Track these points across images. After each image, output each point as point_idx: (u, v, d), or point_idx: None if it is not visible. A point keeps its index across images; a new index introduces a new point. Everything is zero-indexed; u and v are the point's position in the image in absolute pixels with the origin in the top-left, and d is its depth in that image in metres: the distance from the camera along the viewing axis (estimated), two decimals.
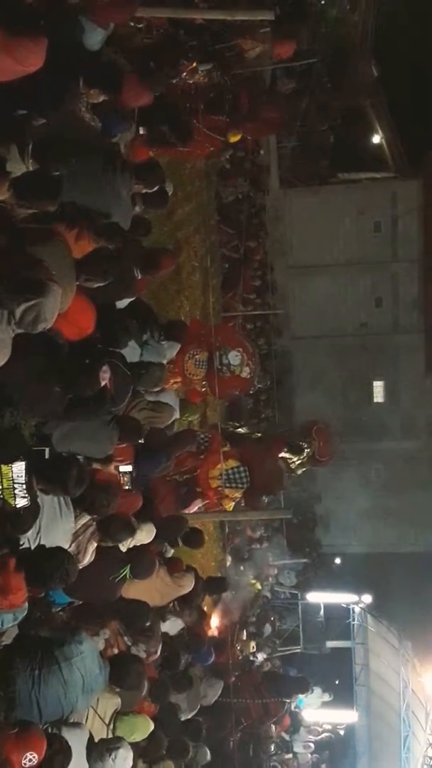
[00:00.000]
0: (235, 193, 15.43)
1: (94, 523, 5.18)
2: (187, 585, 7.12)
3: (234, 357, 9.34)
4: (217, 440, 9.58)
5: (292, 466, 10.48)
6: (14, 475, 4.26)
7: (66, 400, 4.71)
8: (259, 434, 11.56)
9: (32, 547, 4.58)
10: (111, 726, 5.55)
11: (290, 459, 10.41)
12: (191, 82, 9.44)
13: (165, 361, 7.64)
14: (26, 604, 4.37)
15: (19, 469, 4.29)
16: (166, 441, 7.10)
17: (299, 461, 10.46)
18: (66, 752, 4.45)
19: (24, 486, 4.29)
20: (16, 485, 4.26)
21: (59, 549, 4.57)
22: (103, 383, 4.80)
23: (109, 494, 5.16)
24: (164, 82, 7.12)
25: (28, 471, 4.33)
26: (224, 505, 9.47)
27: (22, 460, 4.31)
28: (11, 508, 4.25)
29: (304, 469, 10.73)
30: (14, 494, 4.26)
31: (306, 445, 10.40)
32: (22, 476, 4.28)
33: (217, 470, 9.01)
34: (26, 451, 4.47)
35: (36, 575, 4.32)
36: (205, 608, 10.58)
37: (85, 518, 5.11)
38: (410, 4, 23.48)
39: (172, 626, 7.04)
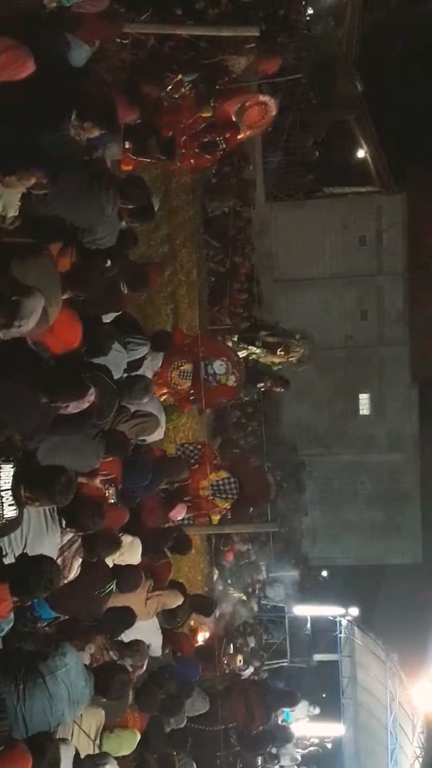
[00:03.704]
0: (221, 208, 15.49)
1: (79, 538, 5.16)
2: (173, 600, 7.11)
3: (219, 366, 9.40)
4: (207, 452, 9.62)
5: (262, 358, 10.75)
6: (2, 482, 4.17)
7: (52, 412, 4.71)
8: None
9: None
10: (97, 741, 5.52)
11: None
12: (176, 96, 9.50)
13: (150, 374, 7.68)
14: (12, 615, 4.34)
15: (7, 474, 4.19)
16: (156, 460, 7.12)
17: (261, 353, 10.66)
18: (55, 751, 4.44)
19: (11, 494, 4.19)
20: (3, 493, 4.17)
21: (42, 557, 4.54)
22: (87, 405, 4.79)
23: (95, 509, 5.15)
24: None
25: (16, 477, 4.24)
26: (211, 516, 9.50)
27: (10, 463, 4.22)
28: None
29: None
30: (2, 503, 4.17)
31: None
32: (9, 482, 4.19)
33: (207, 481, 9.05)
34: (16, 455, 4.36)
35: (19, 584, 4.29)
36: (192, 622, 10.54)
37: (70, 534, 5.10)
38: (395, 21, 23.75)
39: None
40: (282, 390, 13.91)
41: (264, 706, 10.59)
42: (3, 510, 4.18)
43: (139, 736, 6.01)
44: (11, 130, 4.66)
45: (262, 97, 9.71)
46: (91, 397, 4.79)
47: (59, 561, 4.94)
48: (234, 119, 9.53)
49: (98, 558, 5.41)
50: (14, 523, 4.32)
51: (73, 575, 5.12)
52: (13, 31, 4.78)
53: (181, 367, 9.00)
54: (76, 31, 5.73)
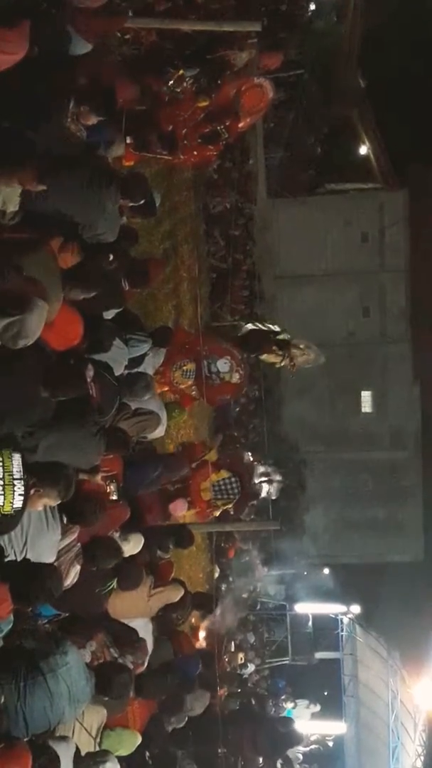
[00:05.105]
0: (223, 204, 15.46)
1: (78, 545, 5.13)
2: (176, 594, 7.10)
3: (223, 365, 9.33)
4: (203, 450, 9.57)
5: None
6: (14, 471, 4.10)
7: (53, 406, 4.68)
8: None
9: (18, 560, 4.53)
10: (98, 739, 5.50)
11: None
12: (178, 90, 9.44)
13: (152, 371, 7.65)
14: (11, 617, 4.32)
15: (18, 463, 4.12)
16: (156, 457, 7.09)
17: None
18: (54, 762, 4.41)
19: (23, 483, 4.13)
20: (15, 481, 4.10)
21: (44, 565, 4.52)
22: (88, 381, 4.79)
23: (97, 504, 5.13)
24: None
25: (24, 465, 4.18)
26: (213, 513, 9.47)
27: (19, 452, 4.16)
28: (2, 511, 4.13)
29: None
30: (13, 491, 4.10)
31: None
32: (21, 471, 4.13)
33: (208, 482, 8.98)
34: (19, 448, 4.30)
35: (20, 592, 4.26)
36: (193, 620, 10.53)
37: (69, 538, 5.07)
38: (397, 16, 23.66)
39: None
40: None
41: (268, 747, 10.67)
42: (14, 499, 4.10)
43: (139, 739, 5.99)
44: (8, 126, 4.63)
45: (257, 80, 9.62)
46: (90, 373, 4.78)
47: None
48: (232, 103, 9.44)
49: (98, 567, 5.39)
50: (19, 516, 4.25)
51: (69, 582, 5.08)
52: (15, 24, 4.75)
53: (184, 367, 8.94)
54: (76, 25, 5.68)
